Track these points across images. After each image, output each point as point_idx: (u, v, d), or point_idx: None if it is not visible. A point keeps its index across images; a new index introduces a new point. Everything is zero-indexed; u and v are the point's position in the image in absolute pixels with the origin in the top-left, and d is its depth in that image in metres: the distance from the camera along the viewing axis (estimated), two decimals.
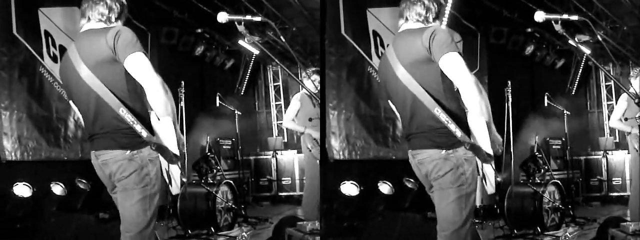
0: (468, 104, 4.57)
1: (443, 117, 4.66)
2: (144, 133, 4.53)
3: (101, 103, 4.63)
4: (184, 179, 4.57)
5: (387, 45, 9.42)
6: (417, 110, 4.81)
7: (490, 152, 4.61)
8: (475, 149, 4.62)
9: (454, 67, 4.60)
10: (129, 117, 4.54)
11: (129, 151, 4.66)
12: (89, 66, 4.63)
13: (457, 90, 4.71)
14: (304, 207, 9.72)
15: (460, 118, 4.71)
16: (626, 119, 8.74)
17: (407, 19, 5.00)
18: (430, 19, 4.94)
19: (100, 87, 4.60)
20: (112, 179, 4.79)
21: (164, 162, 4.73)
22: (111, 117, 4.63)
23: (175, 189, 4.74)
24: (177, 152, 4.54)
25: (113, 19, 4.85)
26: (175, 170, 4.64)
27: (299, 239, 8.09)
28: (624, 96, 9.06)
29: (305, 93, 9.51)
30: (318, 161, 9.32)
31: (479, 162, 4.80)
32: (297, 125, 9.44)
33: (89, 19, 4.85)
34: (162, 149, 4.53)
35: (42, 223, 8.85)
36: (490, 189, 4.81)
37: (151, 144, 4.54)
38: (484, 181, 4.82)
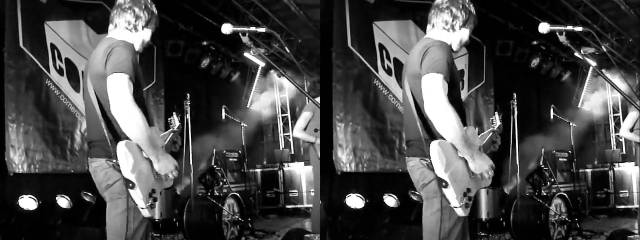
0: (435, 127, 4.54)
1: (421, 131, 4.65)
2: (112, 150, 4.51)
3: (94, 113, 4.64)
4: (143, 206, 4.47)
5: (394, 58, 9.48)
6: (412, 120, 4.78)
7: (444, 177, 4.51)
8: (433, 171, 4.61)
9: (427, 87, 4.53)
10: (105, 132, 4.55)
11: (114, 160, 4.57)
12: (90, 76, 4.65)
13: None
14: (312, 219, 9.68)
15: (437, 135, 4.64)
16: (631, 130, 8.71)
17: (433, 26, 4.93)
18: (457, 27, 4.85)
19: (93, 97, 4.61)
20: (100, 187, 4.74)
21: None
22: (102, 128, 4.60)
23: (144, 212, 4.58)
24: (128, 177, 4.46)
25: (140, 27, 4.80)
26: (133, 195, 4.52)
27: None
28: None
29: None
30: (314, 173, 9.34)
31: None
32: (308, 135, 9.30)
33: (116, 25, 4.83)
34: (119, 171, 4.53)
35: (48, 236, 8.85)
36: (460, 213, 4.65)
37: (114, 163, 4.52)
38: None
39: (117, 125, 4.52)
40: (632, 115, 8.87)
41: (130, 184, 4.47)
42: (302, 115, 9.39)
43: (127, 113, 4.42)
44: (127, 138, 4.49)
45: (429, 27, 4.98)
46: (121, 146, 4.45)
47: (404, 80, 4.84)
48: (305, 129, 9.26)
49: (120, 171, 4.49)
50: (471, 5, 4.97)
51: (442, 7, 4.91)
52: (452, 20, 4.85)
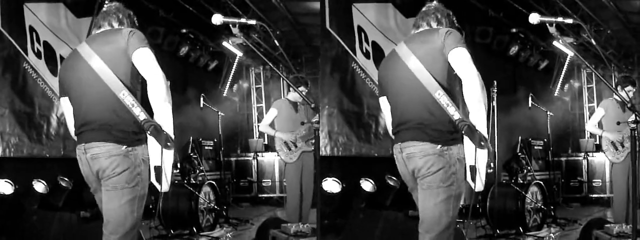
0: (469, 94, 4.55)
1: (444, 99, 4.64)
2: (142, 115, 4.51)
3: (104, 90, 4.63)
4: (176, 170, 4.53)
5: (373, 41, 9.46)
6: (419, 99, 4.79)
7: (486, 135, 4.57)
8: (472, 132, 4.55)
9: (461, 59, 4.63)
10: (129, 100, 4.55)
11: (125, 146, 4.64)
12: (101, 55, 4.68)
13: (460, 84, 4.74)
14: (286, 209, 9.71)
15: (457, 106, 4.70)
16: (618, 123, 8.85)
17: (418, 27, 5.06)
18: None
19: (108, 72, 4.63)
20: (100, 175, 4.71)
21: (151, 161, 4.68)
22: (110, 108, 4.63)
23: (165, 185, 4.58)
24: (172, 136, 4.48)
25: None
26: (168, 157, 4.50)
27: None
28: (602, 104, 9.27)
29: (286, 99, 9.56)
30: (286, 164, 9.39)
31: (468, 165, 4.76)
32: (270, 129, 9.55)
33: (100, 27, 4.94)
34: (157, 131, 4.45)
35: (24, 221, 8.76)
36: (479, 184, 4.68)
37: (147, 124, 4.47)
38: (473, 175, 4.67)
39: (140, 96, 4.63)
40: (599, 111, 9.14)
41: (169, 143, 4.48)
42: (269, 112, 9.56)
43: (165, 80, 4.51)
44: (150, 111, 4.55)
45: (413, 29, 5.10)
46: (166, 107, 4.48)
47: (409, 61, 4.85)
48: (271, 124, 9.41)
49: (158, 131, 4.47)
50: (455, 19, 5.11)
51: (429, 13, 5.07)
52: (436, 25, 4.99)
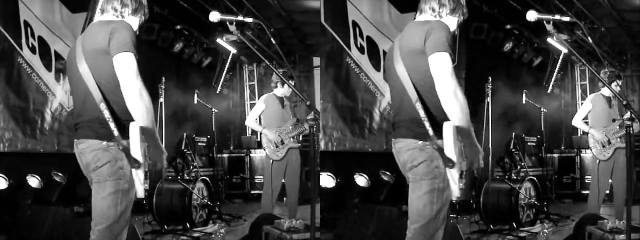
0: (444, 107, 4.55)
1: (421, 113, 4.65)
2: (116, 132, 4.50)
3: (89, 94, 4.61)
4: (146, 186, 4.47)
5: (367, 36, 9.46)
6: (405, 100, 4.80)
7: (453, 158, 4.54)
8: (441, 152, 4.61)
9: (438, 67, 4.55)
10: (106, 113, 4.52)
11: (105, 141, 4.63)
12: (86, 57, 4.62)
13: None
14: (263, 204, 9.76)
15: (438, 117, 4.66)
16: (614, 120, 8.93)
17: (421, 12, 4.98)
18: (444, 14, 4.91)
19: (90, 79, 4.58)
20: (88, 168, 4.75)
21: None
22: (94, 108, 4.59)
23: (139, 192, 4.61)
24: (138, 158, 4.46)
25: (126, 14, 4.82)
26: (137, 175, 4.54)
27: (276, 237, 8.06)
28: (589, 98, 9.38)
29: (273, 94, 9.57)
30: (271, 161, 9.44)
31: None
32: (257, 125, 9.61)
33: (103, 11, 4.86)
34: (127, 152, 4.50)
35: (18, 215, 8.77)
36: (455, 192, 4.70)
37: (119, 143, 4.51)
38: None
39: (118, 105, 4.54)
40: (586, 105, 9.24)
41: (136, 164, 4.47)
42: (256, 106, 9.59)
43: (138, 92, 4.43)
44: (128, 118, 4.48)
45: (417, 14, 5.03)
46: (135, 127, 4.43)
47: (396, 60, 4.83)
48: (257, 119, 9.54)
49: (126, 152, 4.47)
50: (464, 1, 5.04)
51: None
52: (439, 8, 4.91)
